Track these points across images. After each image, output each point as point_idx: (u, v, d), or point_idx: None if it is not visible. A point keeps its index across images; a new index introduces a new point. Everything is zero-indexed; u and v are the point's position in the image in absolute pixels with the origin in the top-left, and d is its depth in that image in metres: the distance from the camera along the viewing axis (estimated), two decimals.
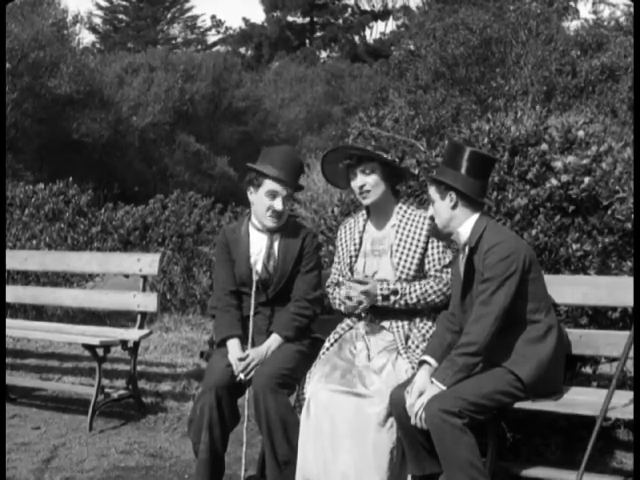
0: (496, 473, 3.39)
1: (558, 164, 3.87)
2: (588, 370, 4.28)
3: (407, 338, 3.54)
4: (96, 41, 40.20)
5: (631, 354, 3.13)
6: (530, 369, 3.16)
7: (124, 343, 4.97)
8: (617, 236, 3.78)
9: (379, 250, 3.69)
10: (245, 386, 3.56)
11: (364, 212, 3.81)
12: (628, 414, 3.12)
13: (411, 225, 3.64)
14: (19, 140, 16.70)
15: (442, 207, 3.32)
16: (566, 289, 3.53)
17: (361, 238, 3.75)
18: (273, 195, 3.66)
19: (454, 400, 3.04)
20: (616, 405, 3.10)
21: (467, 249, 3.31)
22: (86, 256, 6.04)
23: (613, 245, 3.79)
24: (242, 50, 41.91)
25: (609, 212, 3.78)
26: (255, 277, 3.67)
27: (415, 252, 3.59)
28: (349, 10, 43.93)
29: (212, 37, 44.22)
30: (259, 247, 3.76)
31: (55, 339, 6.01)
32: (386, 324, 3.61)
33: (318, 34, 43.13)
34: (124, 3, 42.26)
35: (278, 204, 3.65)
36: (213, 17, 44.38)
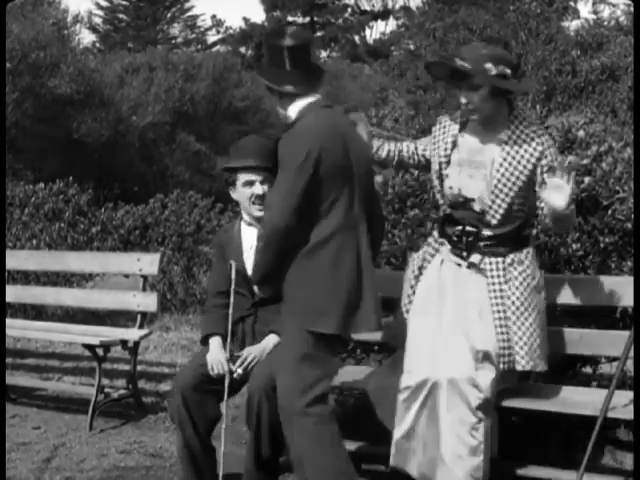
0: (496, 473, 3.39)
1: None
2: (588, 370, 4.27)
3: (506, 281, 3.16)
4: (96, 41, 40.13)
5: (631, 354, 3.13)
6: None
7: (124, 343, 4.97)
8: (617, 236, 3.78)
9: (477, 162, 3.23)
10: (222, 388, 3.49)
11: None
12: (628, 414, 3.12)
13: (523, 141, 3.17)
14: (19, 140, 16.65)
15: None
16: (566, 289, 3.53)
17: (454, 143, 3.30)
18: (250, 183, 3.69)
19: None
20: (616, 405, 3.10)
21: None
22: (86, 256, 6.05)
23: (613, 245, 3.79)
24: (242, 50, 41.83)
25: (609, 212, 3.78)
26: (233, 274, 3.67)
27: (521, 172, 3.14)
28: (349, 10, 43.85)
29: (212, 37, 43.93)
30: (250, 243, 3.78)
31: (55, 339, 6.02)
32: (475, 259, 3.22)
33: (318, 34, 43.05)
34: (124, 3, 42.17)
35: (257, 189, 3.68)
36: (213, 17, 44.12)
